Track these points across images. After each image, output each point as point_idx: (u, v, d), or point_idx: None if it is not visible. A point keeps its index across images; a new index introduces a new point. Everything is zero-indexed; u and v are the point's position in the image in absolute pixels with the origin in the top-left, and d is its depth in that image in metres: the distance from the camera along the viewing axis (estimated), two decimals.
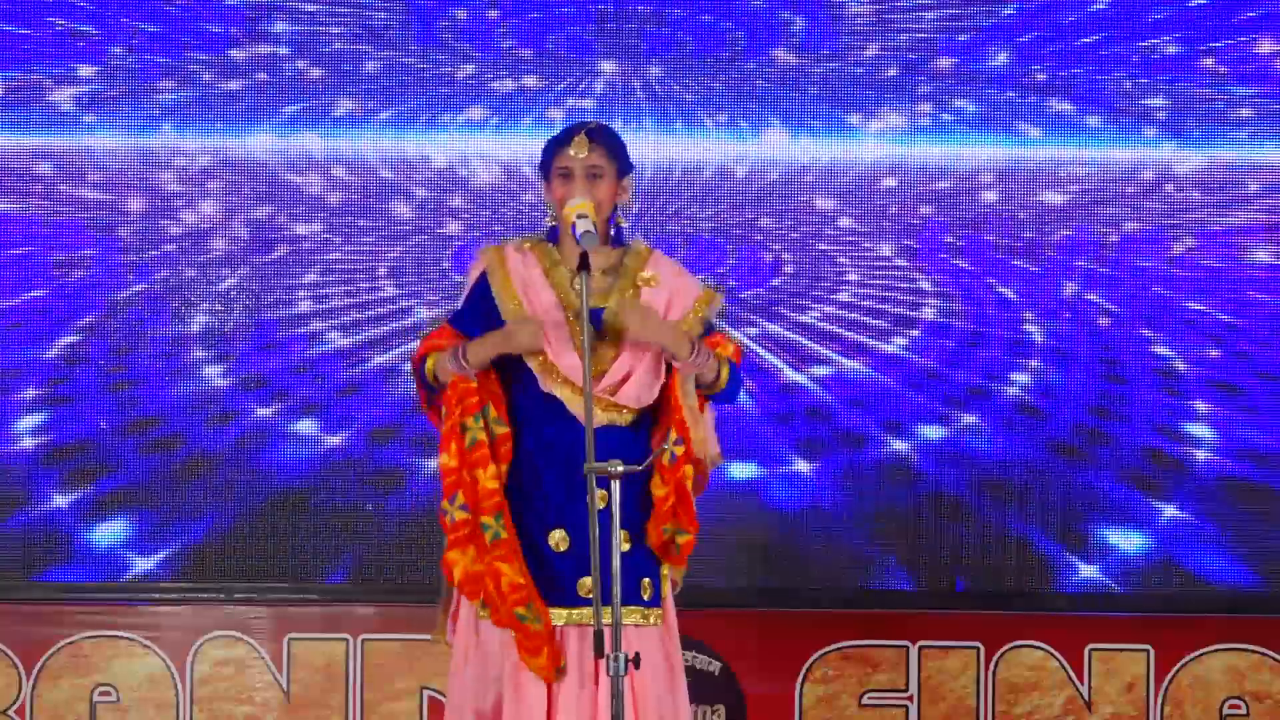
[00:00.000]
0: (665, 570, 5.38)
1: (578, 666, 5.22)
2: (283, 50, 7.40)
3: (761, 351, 7.42)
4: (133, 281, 7.41)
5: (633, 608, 5.26)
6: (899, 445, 7.42)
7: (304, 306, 7.44)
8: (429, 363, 5.35)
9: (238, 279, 7.42)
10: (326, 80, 7.40)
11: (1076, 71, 7.43)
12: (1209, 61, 7.41)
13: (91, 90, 7.39)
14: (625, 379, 5.29)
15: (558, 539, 5.28)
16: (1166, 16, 7.42)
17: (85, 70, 7.39)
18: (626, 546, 5.20)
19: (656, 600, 5.33)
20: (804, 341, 7.45)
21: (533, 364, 5.30)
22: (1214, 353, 7.42)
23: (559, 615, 5.25)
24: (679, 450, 5.28)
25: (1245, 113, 7.42)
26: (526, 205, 7.36)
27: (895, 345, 7.45)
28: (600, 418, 5.22)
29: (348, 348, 7.43)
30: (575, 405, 5.25)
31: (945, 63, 7.44)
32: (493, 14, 7.38)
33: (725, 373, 5.38)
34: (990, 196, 7.44)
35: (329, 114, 7.41)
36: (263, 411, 7.40)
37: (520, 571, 5.24)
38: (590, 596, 5.13)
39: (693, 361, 5.30)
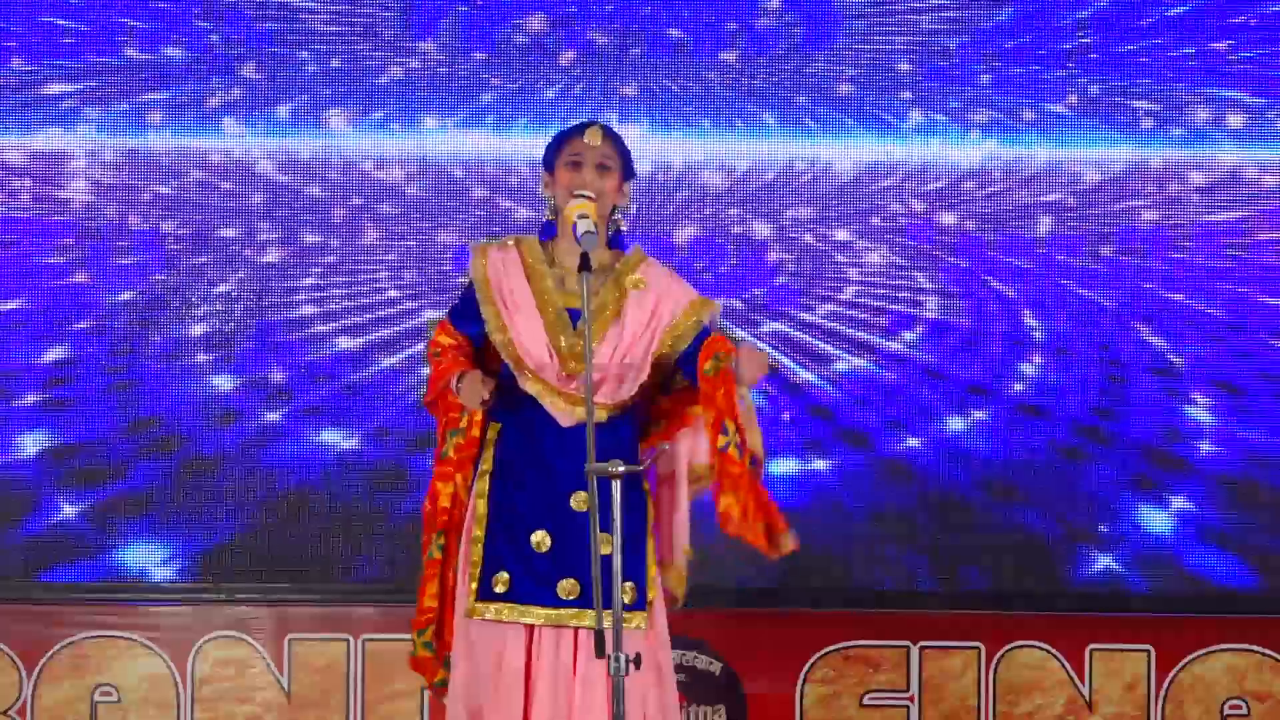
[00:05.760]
0: (653, 574, 5.38)
1: (553, 667, 5.23)
2: (279, 50, 7.42)
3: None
4: (134, 283, 7.42)
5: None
6: (899, 445, 7.41)
7: (305, 308, 7.44)
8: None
9: (239, 280, 7.42)
10: (323, 81, 7.41)
11: (1077, 70, 7.42)
12: (1208, 60, 7.41)
13: (88, 90, 7.40)
14: (602, 378, 5.29)
15: (539, 539, 5.29)
16: (1164, 17, 7.41)
17: (82, 70, 7.40)
18: (608, 549, 5.20)
19: (640, 604, 5.32)
20: (805, 341, 7.44)
21: (509, 361, 5.31)
22: (1215, 352, 7.40)
23: (538, 615, 5.26)
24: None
25: (1246, 112, 7.40)
26: (527, 205, 7.37)
27: (895, 345, 7.44)
28: (576, 415, 5.24)
29: (348, 348, 7.44)
30: (548, 400, 5.27)
31: (945, 62, 7.43)
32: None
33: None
34: (991, 195, 7.43)
35: (328, 114, 7.41)
36: (263, 412, 7.40)
37: (435, 595, 5.42)
38: (570, 599, 5.21)
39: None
